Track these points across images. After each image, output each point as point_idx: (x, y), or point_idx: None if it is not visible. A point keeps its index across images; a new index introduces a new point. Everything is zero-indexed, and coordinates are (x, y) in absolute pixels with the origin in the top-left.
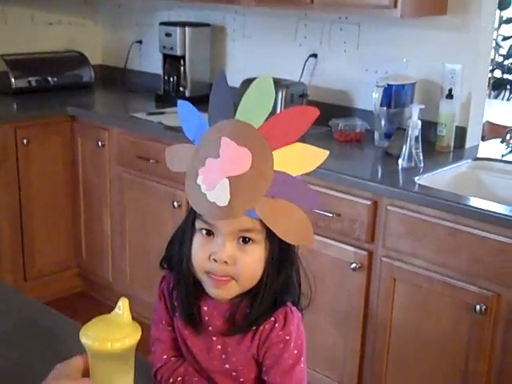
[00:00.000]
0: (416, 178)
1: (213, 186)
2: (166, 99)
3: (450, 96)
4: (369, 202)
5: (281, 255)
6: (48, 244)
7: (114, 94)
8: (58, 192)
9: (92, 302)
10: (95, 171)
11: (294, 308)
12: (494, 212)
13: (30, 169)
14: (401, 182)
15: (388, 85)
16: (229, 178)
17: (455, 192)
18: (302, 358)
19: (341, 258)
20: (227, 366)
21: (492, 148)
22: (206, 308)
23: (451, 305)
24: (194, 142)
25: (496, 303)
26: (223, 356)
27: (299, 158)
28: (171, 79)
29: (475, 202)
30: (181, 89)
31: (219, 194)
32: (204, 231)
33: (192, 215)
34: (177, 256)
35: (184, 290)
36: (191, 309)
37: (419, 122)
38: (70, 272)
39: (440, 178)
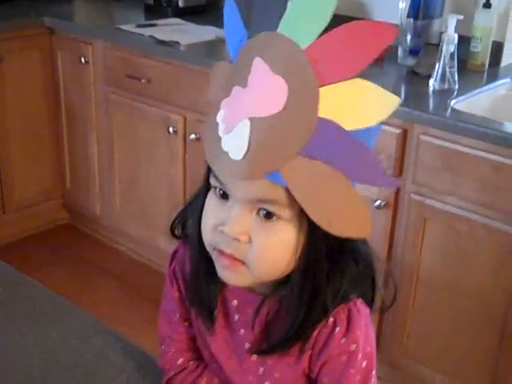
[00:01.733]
0: (452, 102)
1: (231, 127)
2: (156, 10)
3: (487, 5)
4: (398, 131)
5: (329, 241)
6: (28, 173)
7: (96, 3)
8: (37, 115)
9: (79, 234)
10: (78, 91)
11: (359, 302)
12: None
13: (4, 90)
14: (434, 106)
15: None
16: (251, 119)
17: (497, 118)
18: (374, 372)
19: (363, 195)
20: (267, 383)
21: None
22: (235, 302)
23: (493, 251)
24: (233, 61)
25: None
26: (261, 369)
27: (358, 103)
28: None
29: None
30: None
31: (235, 142)
32: (218, 190)
33: (207, 166)
34: (191, 222)
35: (196, 269)
36: (205, 300)
37: (456, 36)
38: (54, 203)
39: (477, 102)
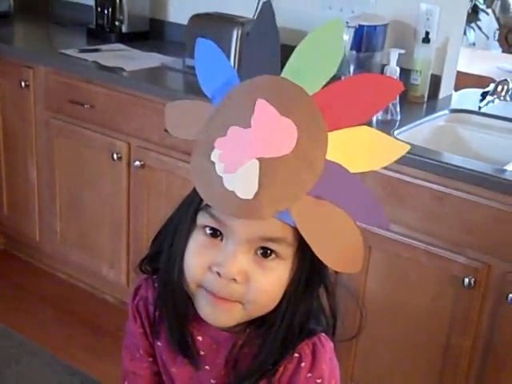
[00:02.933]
0: (395, 133)
1: (234, 167)
2: (99, 35)
3: (426, 40)
4: None
5: (310, 275)
6: None
7: (37, 27)
8: None
9: (17, 261)
10: (18, 116)
11: (323, 337)
12: (490, 175)
13: None
14: None
15: (359, 25)
16: (260, 159)
17: (436, 149)
18: None
19: None
20: None
21: (465, 99)
22: (200, 338)
23: (435, 277)
24: (213, 101)
25: (486, 276)
26: None
27: (364, 148)
28: (105, 11)
29: (467, 163)
30: (116, 23)
31: (242, 181)
32: (208, 230)
33: (194, 204)
34: (165, 258)
35: (174, 308)
36: (185, 336)
37: (398, 69)
38: None
39: (418, 133)
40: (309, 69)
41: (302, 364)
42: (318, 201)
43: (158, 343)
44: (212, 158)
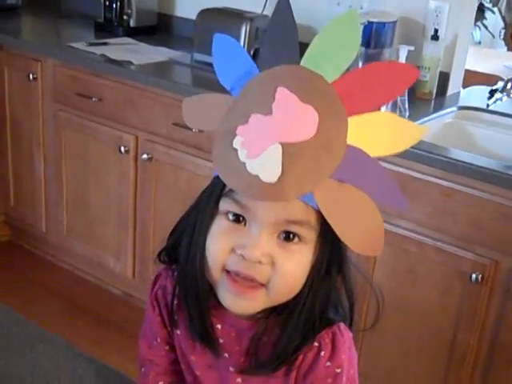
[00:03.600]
0: None
1: (257, 152)
2: (107, 28)
3: (435, 37)
4: None
5: (331, 261)
6: None
7: (45, 20)
8: None
9: (23, 253)
10: (26, 108)
11: (343, 326)
12: (498, 171)
13: None
14: None
15: (368, 22)
16: (283, 144)
17: (445, 145)
18: None
19: None
20: None
21: (473, 96)
22: (219, 326)
23: (442, 272)
24: (232, 92)
25: (493, 272)
26: None
27: (383, 133)
28: (113, 5)
29: (475, 159)
30: (124, 17)
31: (266, 166)
32: (231, 215)
33: (216, 191)
34: (186, 247)
35: (195, 297)
36: (205, 325)
37: None
38: None
39: None
40: (327, 57)
41: (322, 353)
42: (341, 184)
43: (177, 332)
44: (234, 145)
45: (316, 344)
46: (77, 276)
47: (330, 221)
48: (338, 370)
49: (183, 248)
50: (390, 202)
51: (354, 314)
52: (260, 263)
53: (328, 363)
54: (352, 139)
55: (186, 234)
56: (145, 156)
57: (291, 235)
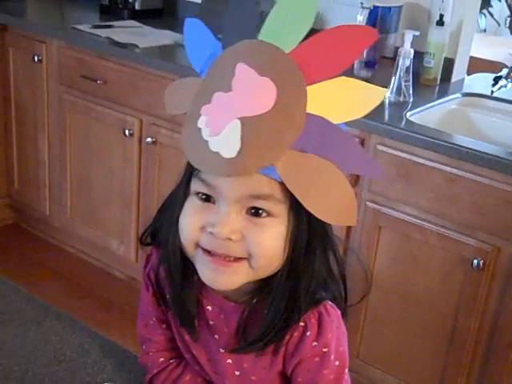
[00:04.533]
0: (407, 114)
1: (218, 130)
2: (111, 11)
3: (441, 23)
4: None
5: (311, 236)
6: None
7: (50, 2)
8: None
9: (26, 236)
10: (30, 90)
11: (329, 305)
12: (502, 158)
13: None
14: (390, 117)
15: (374, 6)
16: (241, 119)
17: (448, 131)
18: (346, 370)
19: None
20: None
21: (478, 83)
22: (209, 308)
23: (444, 258)
24: (201, 74)
25: (495, 258)
26: (237, 373)
27: (344, 98)
28: None
29: (479, 145)
30: (130, 0)
31: (226, 141)
32: (201, 195)
33: (187, 172)
34: (166, 228)
35: (175, 277)
36: (185, 306)
37: (412, 51)
38: (0, 202)
39: (430, 115)
40: (284, 28)
41: (308, 333)
42: (304, 154)
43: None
44: (199, 125)
45: (302, 324)
46: (80, 259)
47: (294, 192)
48: (325, 350)
49: (164, 228)
50: (363, 172)
51: (346, 291)
52: (230, 240)
53: (315, 343)
54: (312, 108)
55: (166, 215)
56: (149, 139)
57: (259, 211)
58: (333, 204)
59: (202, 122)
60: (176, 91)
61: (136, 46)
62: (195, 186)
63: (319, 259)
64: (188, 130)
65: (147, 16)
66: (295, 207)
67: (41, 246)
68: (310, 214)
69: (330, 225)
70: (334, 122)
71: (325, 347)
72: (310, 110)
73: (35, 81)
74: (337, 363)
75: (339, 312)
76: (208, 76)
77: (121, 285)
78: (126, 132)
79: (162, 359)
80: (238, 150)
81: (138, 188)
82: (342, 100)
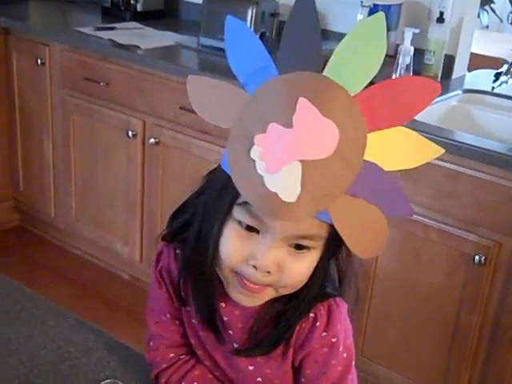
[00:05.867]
0: None
1: (277, 167)
2: (114, 13)
3: (441, 20)
4: None
5: (332, 255)
6: None
7: (52, 5)
8: None
9: (31, 237)
10: (34, 93)
11: (339, 299)
12: (503, 154)
13: None
14: None
15: (374, 5)
16: (302, 161)
17: (450, 128)
18: (353, 363)
19: None
20: (259, 379)
21: (479, 79)
22: (223, 304)
23: (446, 255)
24: (246, 87)
25: (497, 253)
26: (250, 368)
27: (400, 148)
28: None
29: (480, 142)
30: (131, 2)
31: (285, 183)
32: (244, 225)
33: (230, 195)
34: (195, 235)
35: (202, 283)
36: (212, 312)
37: (412, 49)
38: (5, 205)
39: (431, 112)
40: (351, 68)
41: (317, 323)
42: (353, 199)
43: (187, 308)
44: (252, 156)
45: (312, 315)
46: (85, 260)
47: (342, 234)
48: (334, 340)
49: (192, 235)
50: (397, 213)
51: (358, 289)
52: (269, 273)
53: (324, 333)
54: (369, 154)
55: (197, 221)
56: (152, 140)
57: (301, 246)
58: (370, 241)
59: (255, 153)
60: (205, 91)
61: (138, 47)
62: (241, 215)
63: (333, 263)
64: (238, 156)
65: (149, 17)
66: (331, 240)
67: (46, 247)
68: (338, 241)
69: None
70: (386, 169)
71: (333, 337)
72: (366, 156)
73: (39, 84)
74: (344, 355)
75: (346, 306)
76: (260, 97)
77: (126, 285)
78: (130, 133)
79: (172, 355)
80: (298, 195)
81: (141, 189)
82: (398, 149)
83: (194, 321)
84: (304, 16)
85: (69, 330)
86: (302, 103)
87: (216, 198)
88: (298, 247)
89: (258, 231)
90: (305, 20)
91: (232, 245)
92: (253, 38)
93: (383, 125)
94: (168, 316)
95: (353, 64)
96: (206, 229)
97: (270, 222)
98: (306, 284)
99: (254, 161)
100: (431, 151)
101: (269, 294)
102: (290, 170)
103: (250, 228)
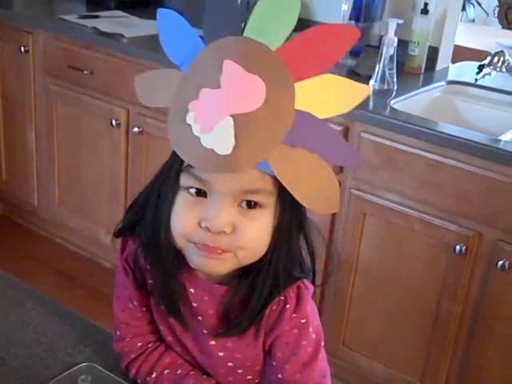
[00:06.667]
0: (391, 102)
1: (210, 126)
2: (98, 1)
3: (425, 11)
4: (339, 128)
5: (291, 222)
6: None
7: None
8: None
9: (15, 227)
10: (17, 81)
11: (306, 281)
12: (485, 145)
13: None
14: (374, 105)
15: None
16: (233, 116)
17: (432, 119)
18: (322, 343)
19: None
20: (230, 364)
21: (462, 71)
22: (192, 290)
23: (428, 244)
24: (181, 67)
25: (477, 243)
26: (221, 354)
27: (329, 95)
28: None
29: (462, 133)
30: None
31: (220, 138)
32: (193, 190)
33: (175, 167)
34: (150, 221)
35: (163, 269)
36: (174, 295)
37: (396, 39)
38: None
39: (414, 103)
40: (269, 26)
41: (287, 306)
42: (293, 149)
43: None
44: (188, 121)
45: (282, 298)
46: (68, 249)
47: (286, 185)
48: (304, 321)
49: (148, 222)
50: (345, 163)
51: (315, 270)
52: (224, 233)
53: (294, 315)
54: (300, 104)
55: (150, 209)
56: (136, 129)
57: (252, 203)
58: (319, 193)
59: (190, 118)
60: (150, 82)
61: (122, 36)
62: (186, 181)
63: (296, 240)
64: (175, 126)
65: (134, 6)
66: (282, 197)
67: (29, 237)
68: (292, 202)
69: (305, 208)
70: (320, 117)
71: (303, 318)
72: (297, 106)
73: (22, 72)
74: (314, 336)
75: (313, 288)
76: (190, 71)
77: (109, 274)
78: (113, 122)
79: (139, 344)
80: (233, 146)
81: (125, 178)
82: (328, 96)
83: (162, 307)
84: None
85: (46, 313)
86: (227, 64)
87: (166, 174)
88: (249, 205)
89: (206, 195)
90: None
91: (182, 212)
92: (183, 23)
93: (308, 73)
94: (135, 303)
95: (269, 22)
96: (160, 206)
97: (213, 179)
98: (271, 257)
99: (189, 125)
100: (360, 92)
101: (230, 261)
102: (222, 125)
103: (198, 193)
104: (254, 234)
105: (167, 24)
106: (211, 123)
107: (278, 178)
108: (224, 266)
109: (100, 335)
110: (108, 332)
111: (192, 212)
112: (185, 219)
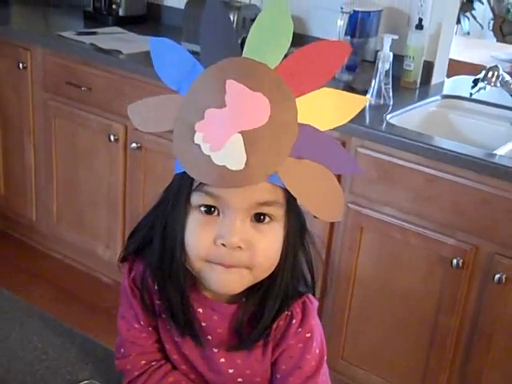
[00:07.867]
0: (387, 117)
1: (220, 144)
2: (96, 18)
3: (419, 26)
4: None
5: (296, 234)
6: None
7: (34, 9)
8: None
9: (13, 241)
10: (15, 97)
11: (311, 296)
12: (480, 159)
13: None
14: (370, 120)
15: (354, 11)
16: (242, 132)
17: (428, 133)
18: (325, 358)
19: None
20: (240, 379)
21: (457, 85)
22: (201, 310)
23: (425, 258)
24: (180, 91)
25: (474, 257)
26: (230, 371)
27: (329, 108)
28: None
29: (457, 147)
30: (113, 6)
31: (231, 155)
32: (203, 208)
33: (185, 187)
34: (159, 244)
35: (178, 289)
36: (189, 314)
37: (391, 55)
38: None
39: (410, 117)
40: (266, 45)
41: (293, 321)
42: (299, 160)
43: (163, 315)
44: (196, 141)
45: (288, 313)
46: (67, 264)
47: (296, 196)
48: (308, 335)
49: (156, 245)
50: (345, 171)
51: (315, 283)
52: (240, 248)
53: (299, 329)
54: (301, 118)
55: (158, 232)
56: (134, 145)
57: (262, 216)
58: (326, 202)
59: (199, 138)
60: (145, 109)
61: (120, 52)
62: (198, 199)
63: (301, 254)
64: (183, 147)
65: (131, 22)
66: (291, 209)
67: (27, 252)
68: (296, 214)
69: (305, 220)
70: (321, 129)
71: (308, 333)
72: (299, 120)
73: (20, 88)
74: (317, 351)
75: (317, 303)
76: (192, 93)
77: (107, 289)
78: (112, 137)
79: (143, 362)
80: (245, 161)
81: (123, 193)
82: (327, 109)
83: (169, 327)
84: (215, 13)
85: (46, 331)
86: (230, 84)
87: (175, 196)
88: (260, 220)
89: (218, 213)
90: (216, 16)
91: (197, 232)
92: (176, 47)
93: (306, 89)
94: (141, 323)
95: (266, 42)
96: (170, 230)
97: (226, 195)
98: (281, 271)
99: (198, 145)
100: (357, 103)
101: (247, 278)
102: (232, 142)
103: (209, 212)
104: (269, 248)
105: (161, 51)
106: (221, 141)
107: (289, 190)
108: (241, 283)
109: (100, 352)
110: (109, 349)
111: (206, 231)
112: (200, 239)
